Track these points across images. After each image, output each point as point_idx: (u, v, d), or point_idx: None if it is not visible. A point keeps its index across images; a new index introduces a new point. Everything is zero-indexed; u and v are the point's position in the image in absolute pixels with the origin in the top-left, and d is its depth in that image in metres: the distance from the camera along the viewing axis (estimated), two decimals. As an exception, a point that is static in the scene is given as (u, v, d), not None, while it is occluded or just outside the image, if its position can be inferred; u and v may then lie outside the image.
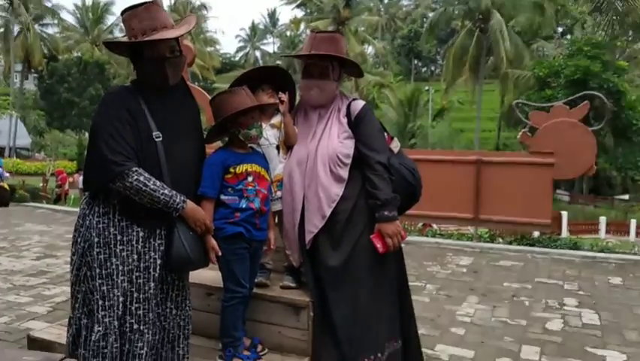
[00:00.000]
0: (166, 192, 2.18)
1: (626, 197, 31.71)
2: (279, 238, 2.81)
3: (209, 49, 47.99)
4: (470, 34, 35.13)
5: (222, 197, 2.45)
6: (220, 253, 2.40)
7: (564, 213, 20.52)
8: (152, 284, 2.23)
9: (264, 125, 2.66)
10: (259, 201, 2.51)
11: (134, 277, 2.20)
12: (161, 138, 2.22)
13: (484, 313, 4.57)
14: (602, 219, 22.43)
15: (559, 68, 29.62)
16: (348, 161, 2.61)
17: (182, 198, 2.22)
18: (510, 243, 8.25)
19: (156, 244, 2.25)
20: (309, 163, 2.66)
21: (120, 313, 2.18)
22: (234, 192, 2.47)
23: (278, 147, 2.83)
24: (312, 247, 2.65)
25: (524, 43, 35.63)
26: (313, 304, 2.68)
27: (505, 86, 34.84)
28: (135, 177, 2.12)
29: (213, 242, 2.39)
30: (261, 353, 2.65)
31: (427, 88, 39.94)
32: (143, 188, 2.13)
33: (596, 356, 3.69)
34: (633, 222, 22.53)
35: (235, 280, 2.53)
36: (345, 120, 2.67)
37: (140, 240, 2.21)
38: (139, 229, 2.22)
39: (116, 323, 2.17)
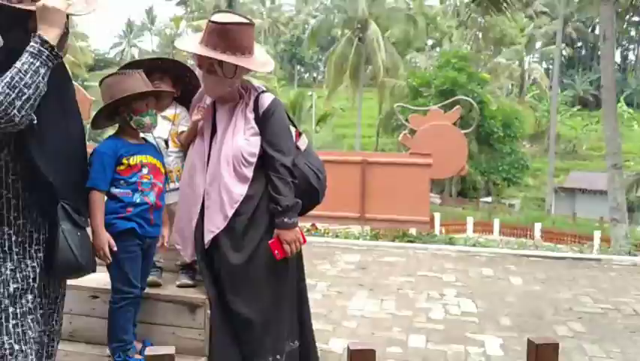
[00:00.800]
0: (22, 58, 1.78)
1: (489, 199, 34.70)
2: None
3: (80, 43, 44.96)
4: (350, 43, 36.47)
5: (113, 190, 2.28)
6: (115, 248, 2.22)
7: (437, 214, 21.93)
8: (30, 297, 1.94)
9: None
10: (154, 195, 2.36)
11: (11, 288, 1.90)
12: (35, 120, 1.85)
13: (373, 306, 4.71)
14: (470, 220, 24.20)
15: (430, 79, 31.88)
16: (254, 160, 2.45)
17: (35, 39, 1.80)
18: (393, 240, 8.63)
19: (33, 251, 1.96)
20: (212, 159, 2.49)
21: None
22: (127, 185, 2.31)
23: (166, 141, 2.72)
24: (210, 246, 2.51)
25: (399, 54, 37.75)
26: (210, 302, 2.58)
27: (383, 94, 36.60)
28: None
29: (107, 235, 2.19)
30: (154, 357, 2.50)
31: (310, 93, 40.66)
32: (14, 84, 1.73)
33: (476, 341, 3.95)
34: (496, 222, 24.65)
35: (126, 280, 2.37)
36: (252, 115, 2.50)
37: (14, 245, 1.91)
38: (11, 232, 1.90)
39: None
